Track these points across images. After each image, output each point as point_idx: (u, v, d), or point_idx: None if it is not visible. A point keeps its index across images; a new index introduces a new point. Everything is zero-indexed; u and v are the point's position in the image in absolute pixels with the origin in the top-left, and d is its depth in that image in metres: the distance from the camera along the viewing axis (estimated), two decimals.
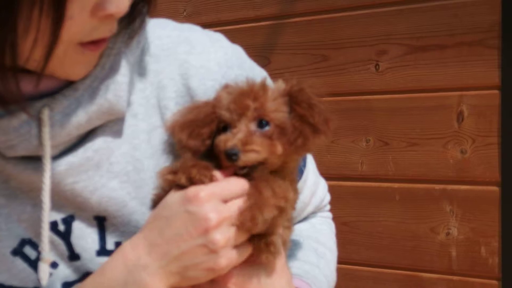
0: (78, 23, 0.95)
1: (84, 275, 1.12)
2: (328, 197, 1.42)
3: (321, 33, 2.60)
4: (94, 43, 1.00)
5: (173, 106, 1.14)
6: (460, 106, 2.34)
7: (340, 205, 1.25)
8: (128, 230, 1.12)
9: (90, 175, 1.09)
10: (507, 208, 2.27)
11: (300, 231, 1.30)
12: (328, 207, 1.43)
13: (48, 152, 1.04)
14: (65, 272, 1.10)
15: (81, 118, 1.05)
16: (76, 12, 0.94)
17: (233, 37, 2.62)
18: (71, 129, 1.05)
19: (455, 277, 2.37)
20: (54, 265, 1.11)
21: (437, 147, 2.39)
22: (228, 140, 1.03)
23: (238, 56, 1.20)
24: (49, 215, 1.08)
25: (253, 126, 1.05)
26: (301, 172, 1.29)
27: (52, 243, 1.09)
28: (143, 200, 1.12)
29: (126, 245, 1.05)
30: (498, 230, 2.29)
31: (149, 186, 1.12)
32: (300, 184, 1.25)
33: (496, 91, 2.27)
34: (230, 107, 1.05)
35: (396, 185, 2.48)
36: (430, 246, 2.41)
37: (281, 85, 1.08)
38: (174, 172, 1.03)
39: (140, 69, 1.13)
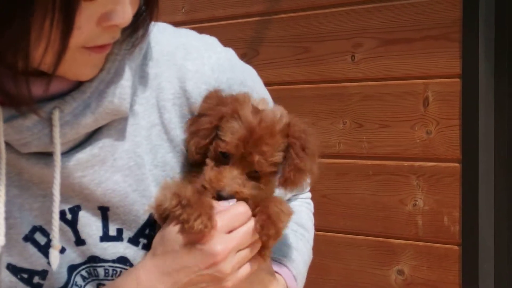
0: (85, 32, 0.95)
1: (89, 258, 1.12)
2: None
3: (303, 28, 2.60)
4: (99, 46, 1.00)
5: (171, 107, 1.14)
6: (426, 93, 2.36)
7: (320, 180, 1.25)
8: (129, 219, 1.12)
9: (96, 169, 1.08)
10: (466, 182, 2.30)
11: None
12: (308, 188, 1.40)
13: (58, 150, 1.03)
14: (71, 256, 1.11)
15: (89, 119, 1.05)
16: (83, 22, 0.94)
17: (226, 31, 2.66)
18: (79, 128, 1.05)
19: (421, 243, 2.39)
20: (61, 250, 1.10)
21: (406, 129, 2.40)
22: (221, 181, 1.03)
23: (230, 60, 1.18)
24: (58, 206, 1.08)
25: (246, 170, 1.04)
26: None
27: (60, 230, 1.08)
28: (143, 192, 1.11)
29: (139, 269, 1.07)
30: (459, 202, 2.31)
31: (149, 179, 1.12)
32: None
33: (457, 80, 2.30)
34: (234, 145, 1.03)
35: (369, 162, 2.49)
36: (399, 216, 2.43)
37: (283, 118, 1.06)
38: (180, 205, 1.02)
39: (141, 72, 1.13)
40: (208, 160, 1.06)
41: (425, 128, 2.36)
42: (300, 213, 1.33)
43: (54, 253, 1.06)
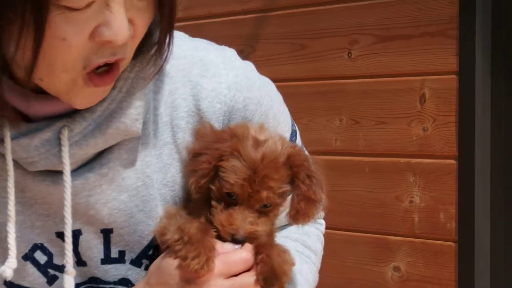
0: (76, 46, 0.89)
1: (89, 279, 1.10)
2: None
3: (300, 25, 2.59)
4: (100, 76, 0.95)
5: (185, 125, 1.09)
6: (422, 89, 2.35)
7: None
8: (133, 239, 1.09)
9: (103, 189, 1.05)
10: (463, 179, 2.29)
11: (289, 232, 1.22)
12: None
13: (68, 171, 1.01)
14: None
15: (98, 139, 1.01)
16: (70, 34, 0.88)
17: (223, 28, 2.65)
18: (88, 149, 1.02)
19: (417, 239, 2.39)
20: (61, 269, 1.07)
21: (402, 125, 2.40)
22: (234, 225, 1.01)
23: (248, 78, 1.11)
24: (59, 227, 1.06)
25: (257, 208, 1.02)
26: None
27: (61, 249, 1.05)
28: (149, 213, 1.08)
29: None
30: (455, 198, 2.31)
31: (156, 199, 1.09)
32: None
33: (454, 76, 2.29)
34: (244, 185, 0.99)
35: (366, 159, 2.49)
36: (395, 213, 2.43)
37: (282, 146, 1.03)
38: (182, 241, 0.99)
39: (155, 88, 1.08)
40: (214, 203, 1.03)
41: (422, 125, 2.35)
42: (309, 234, 1.27)
43: (69, 280, 1.03)
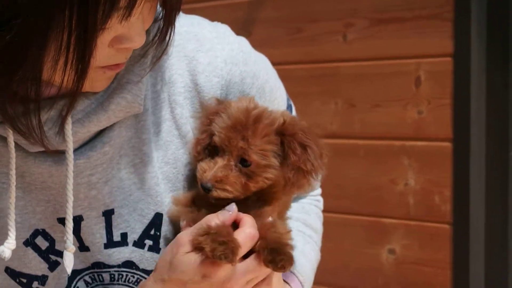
0: (97, 56, 0.92)
1: (93, 264, 1.10)
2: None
3: (296, 8, 2.57)
4: (114, 65, 0.99)
5: (182, 100, 1.10)
6: (417, 72, 2.35)
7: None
8: (133, 218, 1.08)
9: (104, 167, 1.06)
10: (458, 161, 2.29)
11: (290, 212, 1.22)
12: (319, 184, 1.35)
13: (71, 149, 1.01)
14: (74, 261, 1.07)
15: (101, 116, 1.02)
16: (96, 51, 0.92)
17: (218, 12, 2.64)
18: (91, 126, 1.02)
19: (412, 222, 2.40)
20: (62, 255, 1.07)
21: (397, 108, 2.39)
22: (206, 171, 1.01)
23: (243, 52, 1.13)
24: (60, 213, 1.07)
25: (234, 161, 1.01)
26: None
27: (63, 236, 1.06)
28: (149, 191, 1.09)
29: None
30: (450, 181, 2.31)
31: (157, 177, 1.09)
32: None
33: (449, 59, 2.28)
34: (221, 135, 1.01)
35: (361, 142, 2.49)
36: (390, 196, 2.43)
37: (279, 117, 1.03)
38: (202, 233, 0.98)
39: (150, 63, 1.08)
40: (202, 153, 1.05)
41: (417, 108, 2.35)
42: (309, 212, 1.29)
43: (68, 256, 1.04)
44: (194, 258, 0.98)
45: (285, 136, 1.01)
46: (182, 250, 0.99)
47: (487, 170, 2.32)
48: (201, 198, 1.04)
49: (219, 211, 1.01)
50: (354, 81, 2.48)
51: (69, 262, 1.04)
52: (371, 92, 2.45)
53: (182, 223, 1.05)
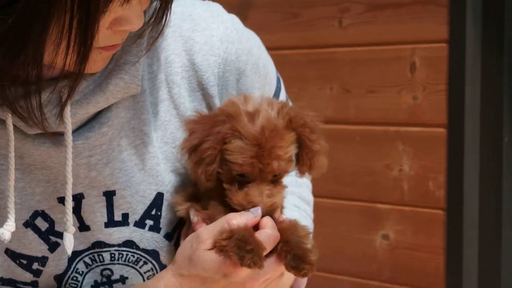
0: (97, 37, 0.93)
1: (93, 244, 1.10)
2: None
3: None
4: (110, 46, 0.99)
5: (179, 80, 1.11)
6: (413, 58, 2.34)
7: None
8: (135, 200, 1.09)
9: (104, 148, 1.06)
10: (452, 147, 2.29)
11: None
12: None
13: (70, 131, 1.01)
14: (74, 242, 1.06)
15: (99, 97, 1.02)
16: (98, 34, 0.92)
17: None
18: (89, 107, 1.02)
19: (406, 208, 2.40)
20: (62, 236, 1.07)
21: (393, 94, 2.39)
22: (252, 202, 1.01)
23: (237, 30, 1.15)
24: (60, 192, 1.07)
25: (269, 180, 1.03)
26: None
27: (63, 216, 1.06)
28: (150, 171, 1.09)
29: (162, 287, 1.05)
30: (444, 167, 2.31)
31: (157, 158, 1.10)
32: None
33: (444, 45, 2.28)
34: (248, 164, 1.00)
35: (356, 127, 2.49)
36: (385, 181, 2.43)
37: (280, 112, 1.03)
38: (225, 237, 0.99)
39: (147, 44, 1.08)
40: (226, 185, 1.03)
41: (412, 94, 2.35)
42: (302, 185, 1.31)
43: (68, 237, 1.04)
44: (216, 256, 0.99)
45: (297, 130, 1.03)
46: (203, 247, 1.00)
47: (481, 156, 2.31)
48: (209, 193, 1.06)
49: (242, 212, 1.02)
50: (350, 66, 2.47)
51: (69, 243, 1.04)
52: (366, 77, 2.45)
53: (194, 219, 1.06)
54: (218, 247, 0.99)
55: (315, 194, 1.36)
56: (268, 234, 1.01)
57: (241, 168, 1.00)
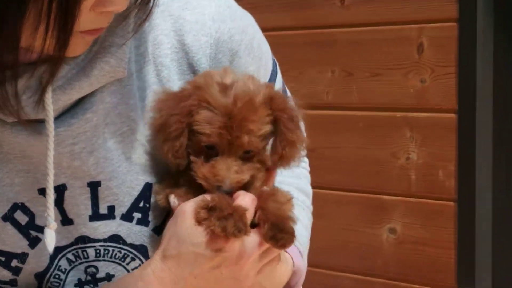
0: (79, 20, 0.92)
1: (76, 239, 1.09)
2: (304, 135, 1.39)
3: None
4: (93, 29, 0.97)
5: (169, 62, 1.10)
6: (420, 38, 2.33)
7: (306, 133, 1.27)
8: (122, 191, 1.08)
9: (88, 136, 1.04)
10: (463, 134, 2.28)
11: (283, 177, 1.25)
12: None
13: (51, 119, 1.00)
14: (56, 237, 1.05)
15: (83, 82, 1.01)
16: (79, 17, 0.91)
17: None
18: (73, 93, 1.01)
19: (414, 199, 2.39)
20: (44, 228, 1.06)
21: (399, 77, 2.38)
22: (218, 175, 1.00)
23: (229, 8, 1.14)
24: (41, 183, 1.05)
25: (238, 156, 1.01)
26: None
27: (44, 209, 1.04)
28: (138, 160, 1.09)
29: (150, 275, 1.03)
30: (455, 155, 2.30)
31: (144, 146, 1.09)
32: None
33: (454, 24, 2.27)
34: (216, 135, 0.99)
35: (359, 113, 2.48)
36: (391, 171, 2.43)
37: (261, 89, 1.03)
38: (207, 208, 0.99)
39: (134, 25, 1.06)
40: (193, 158, 1.02)
41: (419, 77, 2.34)
42: (300, 176, 1.31)
43: (50, 234, 1.03)
44: (203, 230, 1.00)
45: (276, 112, 1.03)
46: (189, 221, 1.00)
47: (494, 143, 2.31)
48: (188, 176, 1.05)
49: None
50: (352, 48, 2.47)
51: (50, 240, 1.03)
52: (370, 59, 2.44)
53: (175, 203, 1.05)
54: (198, 218, 0.99)
55: (315, 185, 1.35)
56: (245, 198, 1.01)
57: (209, 139, 1.00)
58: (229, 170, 1.00)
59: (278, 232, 0.99)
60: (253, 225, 1.02)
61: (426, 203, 2.37)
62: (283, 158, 1.04)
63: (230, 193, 1.01)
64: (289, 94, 1.28)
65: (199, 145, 1.01)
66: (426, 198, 2.37)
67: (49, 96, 0.99)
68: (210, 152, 1.01)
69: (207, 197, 1.00)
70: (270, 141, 1.05)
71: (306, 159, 1.37)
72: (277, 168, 1.09)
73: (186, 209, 1.01)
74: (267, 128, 1.02)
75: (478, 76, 2.25)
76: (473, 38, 2.24)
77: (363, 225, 2.50)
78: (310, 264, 1.26)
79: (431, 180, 2.35)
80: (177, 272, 1.01)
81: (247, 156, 1.02)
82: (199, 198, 1.01)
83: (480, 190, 2.29)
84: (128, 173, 1.08)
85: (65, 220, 1.08)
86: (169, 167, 1.08)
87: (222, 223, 0.96)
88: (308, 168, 1.38)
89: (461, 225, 2.30)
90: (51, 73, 0.96)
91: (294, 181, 1.27)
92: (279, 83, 1.24)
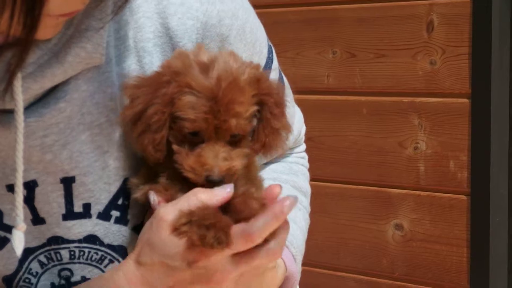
0: (49, 3, 0.90)
1: (49, 240, 1.09)
2: (304, 128, 1.38)
3: None
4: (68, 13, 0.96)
5: (151, 48, 1.09)
6: (430, 15, 2.32)
7: (304, 120, 1.26)
8: (99, 187, 1.08)
9: (61, 127, 1.03)
10: (477, 120, 2.28)
11: (278, 174, 1.26)
12: (304, 138, 1.38)
13: (21, 109, 0.98)
14: (26, 237, 1.03)
15: (56, 70, 0.99)
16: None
17: None
18: (44, 81, 1.00)
19: (423, 193, 2.39)
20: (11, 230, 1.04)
21: (406, 58, 2.38)
22: (206, 164, 0.99)
23: None
24: (10, 179, 1.04)
25: (225, 141, 1.01)
26: None
27: (14, 207, 1.02)
28: (116, 154, 1.08)
29: (121, 278, 1.03)
30: (468, 144, 2.30)
31: (122, 137, 1.08)
32: None
33: (467, 0, 2.27)
34: (207, 118, 0.98)
35: (363, 98, 2.48)
36: (397, 161, 2.42)
37: (246, 69, 1.02)
38: (184, 220, 0.97)
39: (114, 7, 1.04)
40: (176, 148, 1.01)
41: (429, 58, 2.33)
42: (297, 173, 1.31)
43: (18, 235, 1.01)
44: (178, 240, 0.99)
45: (262, 96, 1.03)
46: (165, 229, 0.99)
47: (510, 131, 2.30)
48: (168, 169, 1.04)
49: (215, 188, 1.01)
50: (355, 26, 2.46)
51: (18, 242, 1.01)
52: (375, 39, 2.43)
53: (155, 201, 1.04)
54: (178, 232, 0.98)
55: (313, 177, 1.34)
56: (226, 193, 1.01)
57: (193, 125, 0.99)
58: (217, 157, 0.99)
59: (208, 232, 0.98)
60: None
61: (436, 196, 2.36)
62: (265, 147, 1.04)
63: (221, 182, 1.00)
64: (286, 83, 1.28)
65: (182, 132, 1.00)
66: (436, 191, 2.36)
67: (18, 85, 0.97)
68: (194, 139, 1.00)
69: (191, 204, 0.98)
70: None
71: (305, 155, 1.37)
72: (258, 155, 1.10)
73: (164, 215, 0.99)
74: (254, 108, 1.01)
75: (493, 57, 2.23)
76: (488, 15, 2.22)
77: (366, 221, 2.50)
78: (309, 264, 1.23)
79: (441, 171, 2.34)
80: (149, 280, 1.01)
81: (234, 141, 1.01)
82: (181, 204, 0.99)
83: (495, 182, 2.27)
84: (105, 168, 1.07)
85: (36, 219, 1.07)
86: (145, 159, 1.07)
87: (202, 231, 0.94)
88: (307, 165, 1.37)
89: (474, 221, 2.29)
90: (19, 58, 0.94)
91: (290, 178, 1.27)
92: (275, 71, 1.23)
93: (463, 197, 2.31)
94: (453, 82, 2.30)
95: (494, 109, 2.25)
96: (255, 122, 1.04)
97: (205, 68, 1.00)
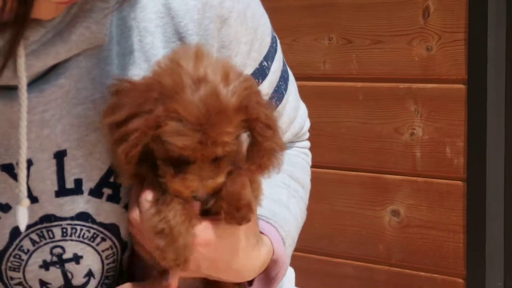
0: None
1: (41, 218, 1.09)
2: (308, 124, 1.39)
3: None
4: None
5: (153, 28, 1.10)
6: (426, 1, 2.32)
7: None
8: (89, 164, 1.08)
9: (59, 102, 1.05)
10: (473, 106, 2.28)
11: None
12: (307, 135, 1.39)
13: (24, 86, 0.99)
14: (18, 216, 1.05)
15: (60, 48, 1.00)
16: None
17: None
18: (48, 59, 1.01)
19: (419, 179, 2.39)
20: (5, 208, 1.07)
21: (402, 44, 2.38)
22: (192, 187, 1.01)
23: None
24: (3, 159, 1.05)
25: (211, 159, 1.02)
26: (281, 95, 1.26)
27: (6, 185, 1.05)
28: None
29: None
30: (464, 130, 2.30)
31: None
32: (279, 109, 1.24)
33: None
34: (195, 147, 0.99)
35: (359, 84, 2.48)
36: (394, 147, 2.43)
37: (234, 91, 1.02)
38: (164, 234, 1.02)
39: None
40: (161, 166, 1.03)
41: (425, 44, 2.34)
42: (296, 165, 1.31)
43: (22, 211, 1.03)
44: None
45: (249, 122, 1.03)
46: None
47: (506, 117, 2.30)
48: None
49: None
50: (352, 12, 2.46)
51: (22, 218, 1.03)
52: (371, 25, 2.44)
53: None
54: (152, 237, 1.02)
55: (311, 164, 1.35)
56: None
57: (180, 151, 0.99)
58: (201, 180, 1.01)
59: (234, 210, 1.03)
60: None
61: (432, 182, 2.37)
62: (261, 167, 1.05)
63: (206, 200, 1.04)
64: (290, 74, 1.29)
65: (168, 154, 1.01)
66: (432, 177, 2.37)
67: (22, 62, 0.98)
68: (180, 158, 1.01)
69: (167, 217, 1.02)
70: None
71: (308, 152, 1.38)
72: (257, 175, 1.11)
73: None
74: (241, 131, 1.03)
75: (489, 43, 2.24)
76: (484, 1, 2.22)
77: (363, 207, 2.50)
78: (305, 250, 1.25)
79: (437, 157, 2.35)
80: None
81: (219, 157, 1.03)
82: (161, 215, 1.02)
83: (492, 168, 2.28)
84: (97, 143, 1.08)
85: (30, 198, 1.07)
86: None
87: (167, 252, 1.00)
88: (310, 162, 1.37)
89: (471, 207, 2.30)
90: (16, 35, 0.94)
91: (287, 168, 1.26)
92: (278, 62, 1.23)
93: (460, 183, 2.32)
94: (449, 68, 2.30)
95: (490, 95, 2.25)
96: (246, 141, 1.05)
97: (195, 90, 1.00)
